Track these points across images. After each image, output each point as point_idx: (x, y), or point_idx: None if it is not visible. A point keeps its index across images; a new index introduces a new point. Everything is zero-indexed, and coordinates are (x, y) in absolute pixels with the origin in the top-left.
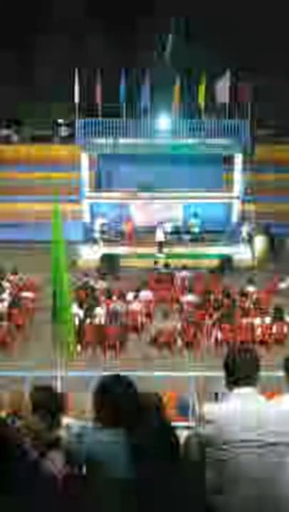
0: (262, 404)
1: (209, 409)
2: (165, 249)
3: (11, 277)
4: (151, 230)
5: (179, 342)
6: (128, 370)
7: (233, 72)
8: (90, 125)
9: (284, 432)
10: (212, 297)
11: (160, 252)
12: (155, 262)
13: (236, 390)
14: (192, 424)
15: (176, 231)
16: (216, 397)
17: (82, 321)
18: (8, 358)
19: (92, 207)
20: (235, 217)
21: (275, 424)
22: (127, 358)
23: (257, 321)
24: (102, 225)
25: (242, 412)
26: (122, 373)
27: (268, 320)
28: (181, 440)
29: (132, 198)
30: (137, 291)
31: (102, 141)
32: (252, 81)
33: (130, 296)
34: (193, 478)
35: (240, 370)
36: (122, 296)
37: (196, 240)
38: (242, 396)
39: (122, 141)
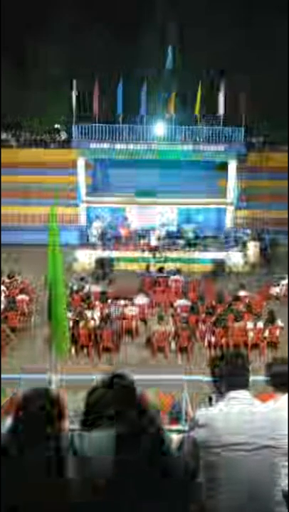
0: (254, 407)
1: (202, 412)
2: (159, 254)
3: (7, 280)
4: (146, 235)
5: (173, 346)
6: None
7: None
8: (87, 130)
9: (275, 436)
10: (205, 302)
11: (153, 256)
12: (148, 266)
13: (229, 394)
14: (185, 427)
15: (170, 236)
16: (210, 401)
17: (76, 325)
18: (4, 361)
19: (89, 211)
20: (228, 223)
21: (266, 427)
22: (121, 362)
23: (249, 324)
24: (98, 228)
25: (234, 415)
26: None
27: (260, 324)
28: (174, 443)
29: (128, 202)
30: (132, 295)
31: (98, 145)
32: (245, 87)
33: (125, 300)
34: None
35: (231, 374)
36: (116, 300)
37: (190, 244)
38: (235, 399)
39: (118, 146)
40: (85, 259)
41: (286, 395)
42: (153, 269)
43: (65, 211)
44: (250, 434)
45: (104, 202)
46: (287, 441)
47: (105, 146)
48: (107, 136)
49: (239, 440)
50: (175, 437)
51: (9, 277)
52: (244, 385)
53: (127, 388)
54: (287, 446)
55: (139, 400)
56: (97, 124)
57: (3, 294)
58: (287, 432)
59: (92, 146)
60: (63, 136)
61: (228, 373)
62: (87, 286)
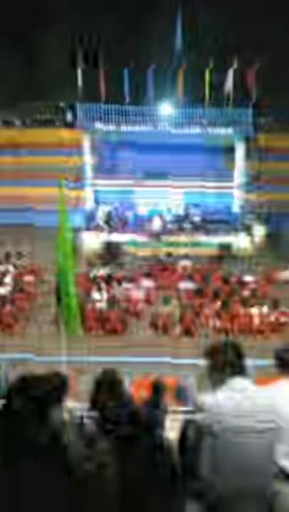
0: (252, 393)
1: (204, 398)
2: (166, 238)
3: (17, 262)
4: (153, 219)
5: (178, 328)
6: (128, 356)
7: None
8: (93, 110)
9: (272, 419)
10: (211, 285)
11: (162, 240)
12: (157, 251)
13: (228, 380)
14: (190, 408)
15: (177, 220)
16: (213, 386)
17: (84, 307)
18: (11, 341)
19: (96, 193)
20: (235, 207)
21: (264, 411)
22: (128, 345)
23: (254, 309)
24: (106, 212)
25: (234, 401)
26: (122, 359)
27: (265, 309)
28: (178, 424)
29: (135, 185)
30: (139, 278)
31: (105, 126)
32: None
33: (132, 283)
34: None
35: (227, 362)
36: (122, 282)
37: (197, 228)
38: (233, 386)
39: (125, 127)
40: (92, 242)
41: (286, 378)
42: (161, 253)
43: (72, 194)
44: (248, 419)
45: (112, 185)
46: (284, 422)
47: (111, 127)
48: (114, 118)
49: (239, 424)
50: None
51: (18, 258)
52: (241, 372)
53: (114, 383)
54: (284, 426)
55: (125, 394)
56: (103, 105)
57: (10, 276)
58: (284, 414)
59: (98, 127)
60: (69, 116)
61: (224, 362)
62: (94, 270)
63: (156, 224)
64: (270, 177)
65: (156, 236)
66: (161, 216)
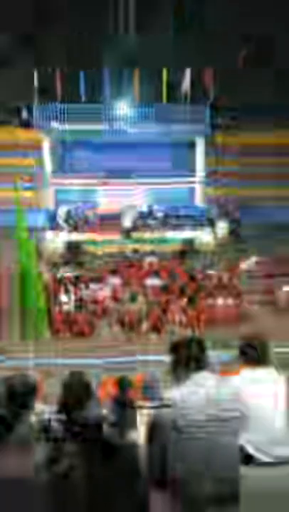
0: (216, 384)
1: (169, 393)
2: (134, 235)
3: None
4: (116, 216)
5: (145, 325)
6: (96, 358)
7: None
8: (51, 110)
9: (236, 408)
10: (177, 281)
11: (128, 237)
12: (123, 248)
13: (192, 375)
14: (157, 404)
15: (141, 216)
16: (178, 381)
17: (50, 309)
18: None
19: (57, 193)
20: (198, 202)
21: (227, 400)
22: (96, 346)
23: (219, 301)
24: (66, 211)
25: (198, 395)
26: (90, 361)
27: (229, 300)
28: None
29: (96, 184)
30: (105, 277)
31: (63, 126)
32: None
33: (97, 283)
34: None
35: (189, 358)
36: (89, 283)
37: (160, 224)
38: (198, 380)
39: (82, 126)
40: (54, 242)
41: (250, 368)
42: (127, 250)
43: (31, 194)
44: (211, 411)
45: (74, 184)
46: (248, 411)
47: (69, 126)
48: (70, 117)
49: (202, 417)
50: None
51: None
52: (205, 366)
53: (81, 385)
54: (248, 415)
55: (93, 395)
56: (59, 105)
57: None
58: (248, 403)
59: (57, 126)
60: (24, 115)
61: (188, 357)
62: (58, 270)
63: (126, 221)
64: (228, 173)
65: (126, 233)
66: (125, 214)
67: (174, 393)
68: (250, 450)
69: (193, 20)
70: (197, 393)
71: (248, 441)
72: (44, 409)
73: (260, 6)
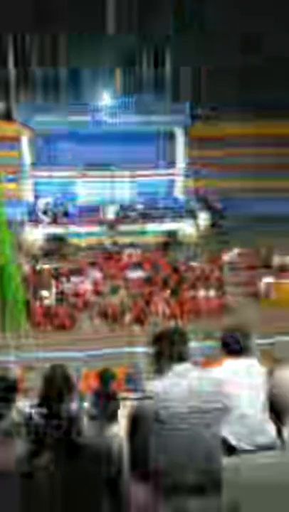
0: (199, 375)
1: (150, 385)
2: (111, 228)
3: None
4: (96, 209)
5: (128, 317)
6: (78, 351)
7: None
8: (30, 101)
9: (218, 399)
10: (160, 272)
11: (110, 229)
12: (102, 240)
13: (174, 367)
14: (139, 396)
15: (121, 208)
16: (160, 373)
17: (31, 303)
18: None
19: (36, 186)
20: (179, 193)
21: (209, 392)
22: (77, 339)
23: (201, 293)
24: (46, 204)
25: (180, 386)
26: (72, 354)
27: (212, 292)
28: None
29: (76, 176)
30: (85, 270)
31: (42, 118)
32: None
33: (78, 275)
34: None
35: (172, 349)
36: (70, 276)
37: (142, 216)
38: (180, 371)
39: (63, 118)
40: (34, 235)
41: (232, 359)
42: (107, 243)
43: (11, 187)
44: (192, 402)
45: (53, 176)
46: (230, 402)
47: (49, 119)
48: (51, 108)
49: (183, 410)
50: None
51: None
52: (187, 358)
53: (62, 379)
54: (230, 406)
55: (74, 389)
56: (40, 96)
57: None
58: (230, 394)
59: (35, 118)
60: (4, 108)
61: (170, 349)
62: (38, 264)
63: (106, 213)
64: (208, 164)
65: (106, 225)
66: (105, 206)
67: (155, 385)
68: (233, 440)
69: (193, 20)
70: (179, 385)
71: (230, 431)
72: (25, 403)
73: (260, 6)
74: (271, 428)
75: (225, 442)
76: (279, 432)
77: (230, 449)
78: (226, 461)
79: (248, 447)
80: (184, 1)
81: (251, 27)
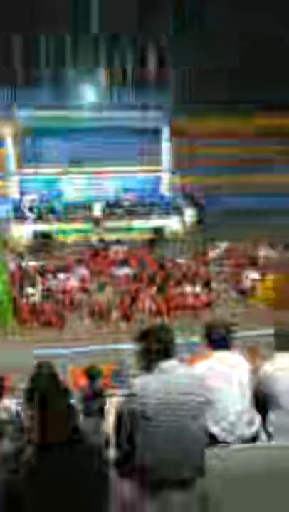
0: (183, 371)
1: (135, 382)
2: (98, 224)
3: None
4: (82, 205)
5: (114, 314)
6: (64, 348)
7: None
8: (11, 95)
9: (200, 393)
10: (147, 269)
11: (96, 226)
12: (89, 237)
13: (159, 363)
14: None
15: (107, 205)
16: (146, 369)
17: (17, 300)
18: None
19: (22, 183)
20: (165, 190)
21: (191, 385)
22: (64, 336)
23: (188, 289)
24: (32, 201)
25: (163, 382)
26: (59, 351)
27: (198, 288)
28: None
29: (61, 173)
30: (72, 267)
31: (26, 113)
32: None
33: (65, 272)
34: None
35: (158, 346)
36: (56, 273)
37: (128, 213)
38: (165, 368)
39: (47, 113)
40: (19, 233)
41: (217, 354)
42: (93, 239)
43: None
44: (181, 396)
45: (38, 173)
46: (213, 396)
47: (33, 114)
48: (34, 103)
49: (168, 401)
50: (114, 404)
51: None
52: (172, 354)
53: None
54: (213, 400)
55: (61, 386)
56: (21, 90)
57: None
58: (213, 388)
59: (20, 114)
60: None
61: (156, 345)
62: (24, 261)
63: (88, 211)
64: (199, 160)
65: (92, 222)
66: (91, 203)
67: (139, 380)
68: (216, 432)
69: (193, 20)
70: (164, 381)
71: (214, 424)
72: (11, 402)
73: (260, 6)
74: (255, 421)
75: (209, 435)
76: (263, 425)
77: (214, 441)
78: (209, 453)
79: (231, 439)
80: (184, 1)
81: (251, 27)
